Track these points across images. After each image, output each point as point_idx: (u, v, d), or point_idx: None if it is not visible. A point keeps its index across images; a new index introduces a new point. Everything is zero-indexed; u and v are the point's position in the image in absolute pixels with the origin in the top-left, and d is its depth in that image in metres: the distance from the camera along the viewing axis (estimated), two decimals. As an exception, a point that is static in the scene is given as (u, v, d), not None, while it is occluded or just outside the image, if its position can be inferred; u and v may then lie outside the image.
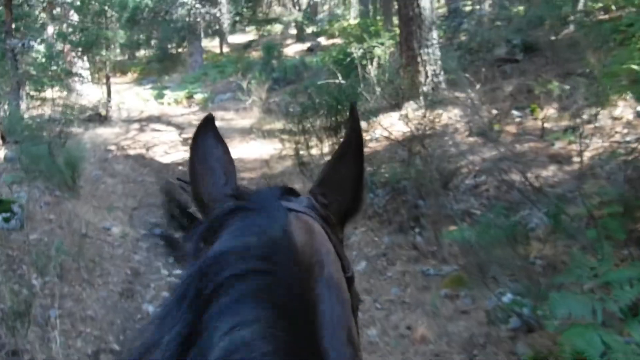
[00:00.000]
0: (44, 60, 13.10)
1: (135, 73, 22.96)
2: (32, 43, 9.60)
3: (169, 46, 16.22)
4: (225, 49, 24.04)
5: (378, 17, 17.14)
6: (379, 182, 6.59)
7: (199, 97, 15.00)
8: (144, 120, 12.10)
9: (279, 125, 11.28)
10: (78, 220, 5.91)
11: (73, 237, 5.48)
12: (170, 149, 9.63)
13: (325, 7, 30.40)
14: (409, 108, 9.58)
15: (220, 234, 0.70)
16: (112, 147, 9.43)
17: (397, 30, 11.08)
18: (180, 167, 8.78)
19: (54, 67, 12.55)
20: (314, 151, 9.11)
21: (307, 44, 21.45)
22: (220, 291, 0.60)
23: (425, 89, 9.48)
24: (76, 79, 13.61)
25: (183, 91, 15.89)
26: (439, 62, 9.71)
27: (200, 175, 0.87)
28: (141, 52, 26.94)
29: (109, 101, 12.13)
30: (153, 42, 15.68)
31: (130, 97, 15.85)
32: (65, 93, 13.01)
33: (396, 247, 5.34)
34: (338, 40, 19.59)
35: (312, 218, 0.79)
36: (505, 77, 9.38)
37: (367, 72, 10.66)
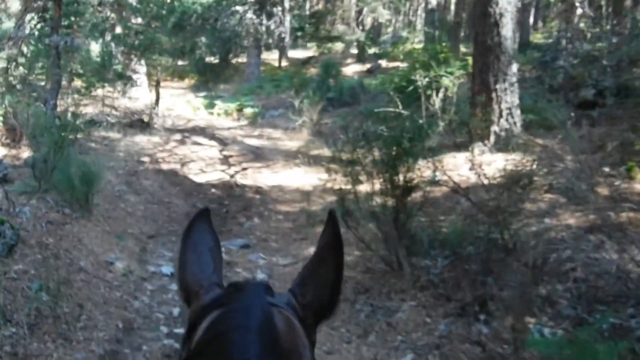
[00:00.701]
0: (98, 59, 12.54)
1: (192, 79, 22.46)
2: (77, 42, 8.90)
3: (217, 57, 15.25)
4: (284, 63, 23.27)
5: (444, 43, 15.90)
6: (436, 240, 5.38)
7: (249, 111, 14.12)
8: (188, 130, 11.25)
9: (327, 151, 10.21)
10: (80, 248, 4.96)
11: (67, 271, 4.51)
12: (207, 167, 8.69)
13: (390, 29, 29.37)
14: (477, 150, 8.35)
15: (208, 322, 0.74)
16: (146, 159, 8.56)
17: (469, 60, 9.86)
18: (213, 190, 7.80)
19: (109, 67, 11.95)
20: (362, 187, 8.03)
21: (367, 65, 20.43)
22: None
23: (497, 129, 8.22)
24: (130, 81, 13.01)
25: (234, 103, 15.07)
26: (516, 100, 8.43)
27: (190, 262, 0.87)
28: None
29: (154, 107, 11.35)
30: (199, 51, 14.71)
31: (181, 104, 15.16)
32: (116, 94, 12.38)
33: (454, 338, 4.11)
34: (400, 64, 18.47)
35: (291, 314, 0.80)
36: (592, 124, 8.02)
37: (432, 103, 9.48)
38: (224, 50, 13.72)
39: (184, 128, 11.54)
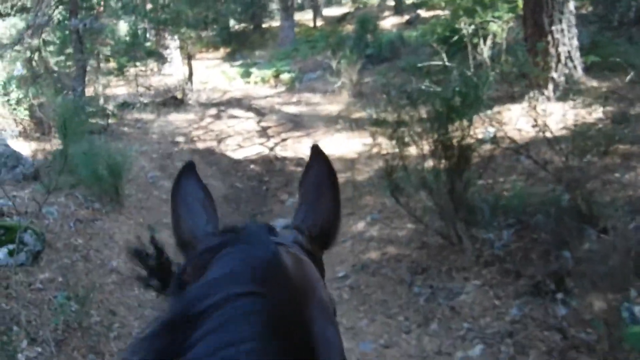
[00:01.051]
0: (127, 38, 12.17)
1: (227, 48, 21.95)
2: (99, 22, 8.49)
3: (242, 24, 14.12)
4: (320, 22, 22.39)
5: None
6: (497, 207, 4.75)
7: (285, 76, 13.53)
8: (224, 103, 10.79)
9: (370, 112, 9.57)
10: (111, 247, 4.62)
11: (98, 274, 4.18)
12: (245, 141, 8.23)
13: (427, -24, 27.80)
14: (534, 100, 7.56)
15: (209, 266, 0.68)
16: (180, 139, 8.18)
17: (519, 1, 8.91)
18: (252, 166, 7.36)
19: (138, 45, 11.56)
20: (410, 151, 7.44)
21: (406, 17, 19.34)
22: (210, 312, 0.58)
23: (555, 75, 7.38)
24: (161, 58, 12.63)
25: (271, 69, 14.49)
26: (575, 42, 7.52)
27: (182, 218, 0.86)
28: (237, 27, 26.02)
29: (187, 83, 10.93)
30: (223, 19, 13.85)
31: (216, 75, 14.70)
32: (149, 72, 12.03)
33: (529, 324, 3.55)
34: (441, 12, 17.36)
35: (299, 251, 0.78)
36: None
37: (479, 52, 8.64)
38: (248, 16, 12.73)
39: (219, 101, 11.08)
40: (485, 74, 8.60)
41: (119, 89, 11.69)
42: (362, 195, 6.28)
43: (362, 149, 7.87)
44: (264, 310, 0.59)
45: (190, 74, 11.53)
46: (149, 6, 12.48)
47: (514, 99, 7.84)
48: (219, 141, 8.21)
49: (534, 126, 5.80)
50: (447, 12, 15.06)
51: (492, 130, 6.90)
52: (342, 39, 15.49)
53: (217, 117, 9.52)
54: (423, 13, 19.28)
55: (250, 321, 0.58)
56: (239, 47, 21.37)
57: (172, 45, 13.95)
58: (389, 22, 19.48)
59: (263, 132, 8.65)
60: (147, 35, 14.50)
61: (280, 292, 0.62)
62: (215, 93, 12.05)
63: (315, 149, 0.93)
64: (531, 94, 7.41)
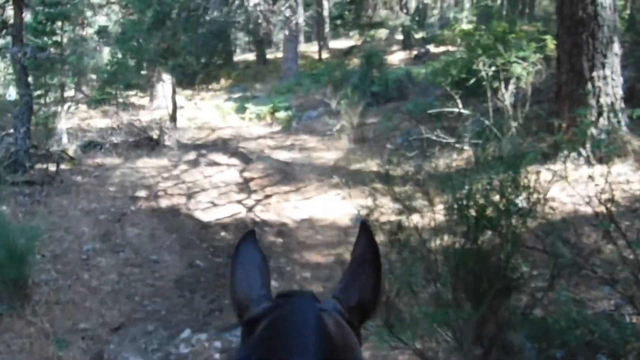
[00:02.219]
0: (108, 69, 10.87)
1: (229, 79, 20.74)
2: (42, 53, 7.14)
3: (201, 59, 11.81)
4: (325, 55, 21.14)
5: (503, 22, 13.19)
6: (542, 338, 3.20)
7: (282, 115, 12.12)
8: (207, 146, 9.32)
9: (372, 164, 8.10)
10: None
11: None
12: (220, 197, 6.73)
13: (436, 11, 26.66)
14: (568, 161, 6.09)
15: (258, 327, 0.74)
16: (142, 193, 6.70)
17: (548, 40, 7.48)
18: (222, 234, 5.85)
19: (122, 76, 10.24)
20: (417, 218, 6.00)
21: (414, 52, 18.06)
22: None
23: (595, 131, 5.90)
24: (149, 90, 11.27)
25: (268, 105, 13.11)
26: (620, 92, 6.07)
27: (239, 280, 0.89)
28: (239, 57, 24.92)
29: (166, 121, 9.51)
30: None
31: (209, 110, 13.36)
32: (131, 107, 10.67)
33: None
34: (450, 48, 16.03)
35: (339, 317, 0.80)
36: None
37: (500, 98, 7.19)
38: (206, 51, 10.67)
39: (203, 142, 9.63)
40: (506, 123, 7.15)
41: (99, 122, 10.38)
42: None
43: (359, 212, 6.39)
44: None
45: (174, 110, 10.14)
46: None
47: (543, 157, 6.37)
48: (189, 196, 6.72)
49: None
50: (459, 48, 13.75)
51: (521, 199, 5.36)
52: (346, 74, 14.11)
53: (195, 163, 8.05)
54: (432, 48, 18.01)
55: None
56: (241, 79, 20.15)
57: (167, 78, 12.66)
58: (397, 57, 18.18)
59: (244, 186, 7.16)
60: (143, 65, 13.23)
61: (325, 350, 0.67)
62: (201, 132, 10.63)
63: (364, 226, 0.92)
64: (565, 153, 5.94)
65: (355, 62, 18.02)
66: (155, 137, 8.91)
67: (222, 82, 20.51)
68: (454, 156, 7.71)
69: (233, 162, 8.29)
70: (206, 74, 10.59)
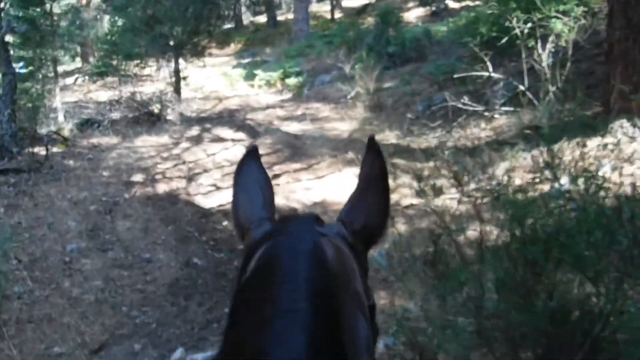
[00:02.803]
0: (109, 38, 10.07)
1: (239, 44, 19.78)
2: (17, 25, 6.29)
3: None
4: (338, 14, 19.97)
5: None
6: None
7: (292, 81, 11.24)
8: (212, 118, 8.53)
9: (390, 135, 7.27)
10: None
11: None
12: (224, 178, 5.97)
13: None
14: (619, 131, 5.26)
15: (255, 254, 0.70)
16: (138, 177, 5.98)
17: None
18: (225, 223, 5.13)
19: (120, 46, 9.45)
20: (444, 199, 5.25)
21: (432, 8, 16.83)
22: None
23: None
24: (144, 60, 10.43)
25: (278, 71, 12.22)
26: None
27: (241, 201, 0.84)
28: (248, 20, 23.83)
29: (167, 94, 8.70)
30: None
31: (217, 78, 12.53)
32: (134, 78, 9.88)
33: None
34: (470, 3, 14.86)
35: (340, 242, 0.75)
36: None
37: (537, 59, 6.26)
38: (191, 17, 9.40)
39: (208, 115, 8.83)
40: (544, 87, 6.24)
41: (102, 95, 9.64)
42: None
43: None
44: (298, 296, 0.60)
45: (177, 81, 9.32)
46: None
47: (586, 128, 5.49)
48: (190, 179, 5.98)
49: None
50: (479, 2, 12.60)
51: (564, 181, 4.51)
52: (361, 34, 13.09)
53: (198, 140, 7.28)
54: (452, 3, 16.77)
55: (275, 305, 0.59)
56: (251, 43, 19.16)
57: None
58: (414, 14, 16.98)
59: (250, 165, 6.45)
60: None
61: (315, 280, 0.62)
62: (207, 103, 9.82)
63: (371, 141, 0.87)
64: (618, 123, 5.07)
65: (369, 21, 16.89)
66: (156, 111, 8.14)
67: (232, 46, 19.56)
68: (482, 125, 6.84)
69: (239, 136, 7.50)
70: (194, 45, 9.58)
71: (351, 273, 0.71)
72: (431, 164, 6.11)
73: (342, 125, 7.95)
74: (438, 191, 5.17)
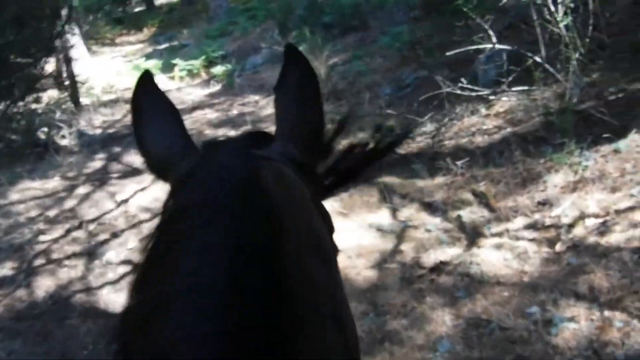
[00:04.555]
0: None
1: (152, 27, 16.84)
2: None
3: None
4: (257, -15, 17.34)
5: None
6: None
7: (219, 70, 8.85)
8: (124, 136, 6.05)
9: (364, 137, 5.22)
10: None
11: None
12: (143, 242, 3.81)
13: None
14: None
15: (183, 189, 0.55)
16: (6, 270, 3.59)
17: None
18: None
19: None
20: (487, 247, 3.48)
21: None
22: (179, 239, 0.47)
23: None
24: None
25: (200, 58, 9.76)
26: None
27: (152, 132, 0.66)
28: (163, 0, 20.70)
29: (69, 102, 6.14)
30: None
31: (129, 73, 9.93)
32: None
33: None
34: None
35: (285, 164, 0.59)
36: None
37: (552, 20, 4.35)
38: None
39: (118, 130, 6.34)
40: (564, 55, 4.34)
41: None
42: None
43: (370, 240, 3.64)
44: (228, 239, 0.45)
45: (73, 85, 6.76)
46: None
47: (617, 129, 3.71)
48: (91, 255, 3.63)
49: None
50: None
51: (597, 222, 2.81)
52: (288, 5, 10.76)
53: (103, 177, 4.84)
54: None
55: (209, 252, 0.44)
56: (166, 25, 16.26)
57: (75, 34, 9.02)
58: (338, -23, 14.72)
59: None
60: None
61: (250, 219, 0.46)
62: (117, 109, 7.32)
63: (290, 49, 0.71)
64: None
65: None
66: (43, 137, 5.62)
67: (145, 31, 16.60)
68: (482, 111, 4.90)
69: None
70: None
71: (301, 203, 0.55)
72: (440, 179, 4.16)
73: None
74: (473, 234, 3.23)
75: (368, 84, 6.42)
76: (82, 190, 4.67)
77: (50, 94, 6.99)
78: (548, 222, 3.37)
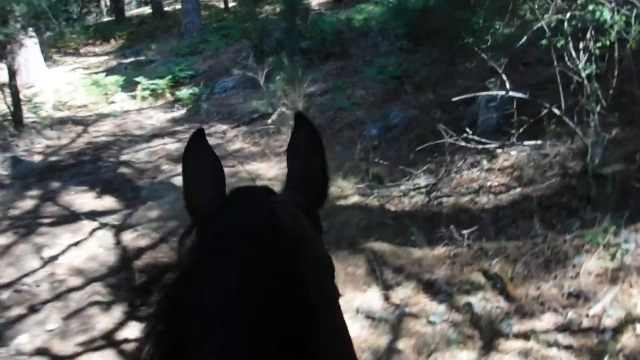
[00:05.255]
0: None
1: (120, 39, 15.79)
2: None
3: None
4: (232, 3, 16.55)
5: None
6: None
7: (185, 93, 7.92)
8: (66, 167, 5.08)
9: (347, 187, 4.40)
10: None
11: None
12: (78, 335, 2.80)
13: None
14: None
15: (207, 234, 0.63)
16: None
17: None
18: None
19: None
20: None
21: (336, -8, 14.05)
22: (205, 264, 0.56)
23: None
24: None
25: (166, 77, 8.82)
26: None
27: (192, 185, 0.78)
28: (134, 11, 19.69)
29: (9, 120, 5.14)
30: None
31: (86, 89, 8.92)
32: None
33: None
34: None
35: (294, 207, 0.70)
36: None
37: (572, 66, 3.69)
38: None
39: (62, 159, 5.36)
40: (586, 106, 3.67)
41: None
42: None
43: (357, 331, 2.82)
44: (252, 261, 0.55)
45: (16, 103, 5.75)
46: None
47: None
48: None
49: None
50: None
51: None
52: (265, 27, 9.97)
53: (31, 221, 3.92)
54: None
55: (236, 271, 0.53)
56: (134, 38, 15.24)
57: (29, 43, 7.98)
58: (315, 1, 14.11)
59: (121, 279, 3.26)
60: None
61: (273, 240, 0.57)
62: (65, 132, 6.32)
63: (299, 116, 0.82)
64: None
65: (268, 9, 13.75)
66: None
67: (113, 42, 15.52)
68: (483, 164, 4.19)
69: (103, 206, 4.23)
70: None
71: (312, 235, 0.68)
72: (441, 250, 3.38)
73: (266, 167, 4.97)
74: (490, 331, 2.38)
75: (351, 121, 5.65)
76: (0, 240, 3.68)
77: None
78: (586, 323, 2.62)
